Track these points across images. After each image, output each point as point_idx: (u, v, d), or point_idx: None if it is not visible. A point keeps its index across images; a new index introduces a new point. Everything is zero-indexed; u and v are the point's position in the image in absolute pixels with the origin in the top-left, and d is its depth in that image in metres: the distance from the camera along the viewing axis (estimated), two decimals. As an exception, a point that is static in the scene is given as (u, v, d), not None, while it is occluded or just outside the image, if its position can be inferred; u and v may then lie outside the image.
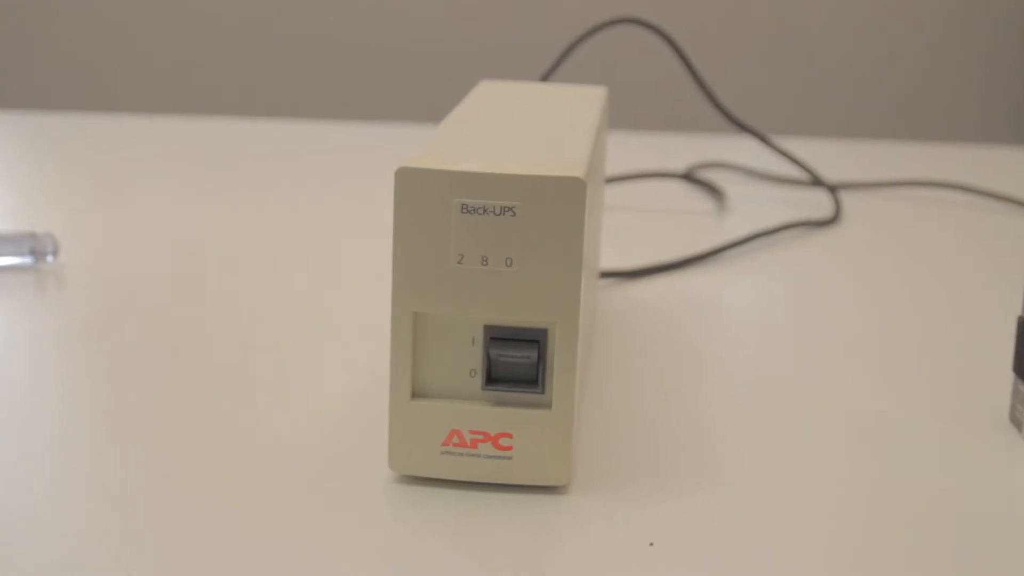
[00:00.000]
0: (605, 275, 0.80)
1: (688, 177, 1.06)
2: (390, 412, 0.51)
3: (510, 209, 0.48)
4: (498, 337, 0.50)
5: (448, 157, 0.50)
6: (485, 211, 0.49)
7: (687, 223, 0.96)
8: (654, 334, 0.71)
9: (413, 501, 0.50)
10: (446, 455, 0.51)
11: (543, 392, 0.50)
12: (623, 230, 0.94)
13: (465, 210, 0.49)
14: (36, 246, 0.78)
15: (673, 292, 0.79)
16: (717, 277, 0.82)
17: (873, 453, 0.56)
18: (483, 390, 0.51)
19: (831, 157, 1.21)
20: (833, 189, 1.02)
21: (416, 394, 0.51)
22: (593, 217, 0.58)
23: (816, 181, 1.04)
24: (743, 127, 1.00)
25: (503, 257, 0.49)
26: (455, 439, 0.51)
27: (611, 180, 1.05)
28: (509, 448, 0.51)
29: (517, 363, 0.50)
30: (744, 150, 1.23)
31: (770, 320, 0.74)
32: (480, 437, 0.51)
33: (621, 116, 2.23)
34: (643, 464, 0.55)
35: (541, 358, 0.50)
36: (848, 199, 1.05)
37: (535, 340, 0.50)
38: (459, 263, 0.49)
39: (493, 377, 0.51)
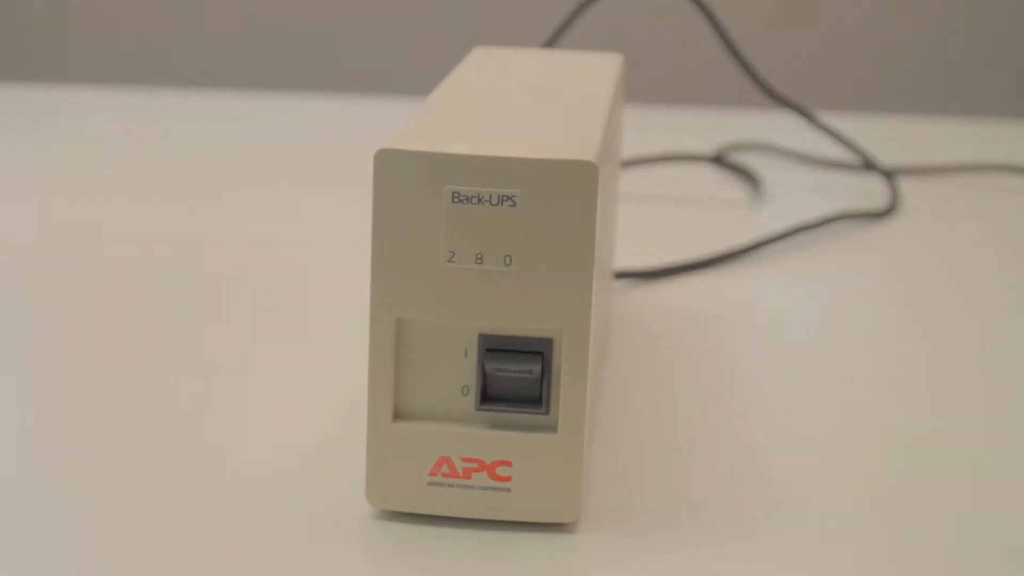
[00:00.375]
0: (620, 276, 0.80)
1: (718, 160, 1.06)
2: (368, 436, 0.51)
3: (509, 198, 0.49)
4: (495, 348, 0.50)
5: (436, 137, 0.50)
6: (480, 200, 0.49)
7: (717, 215, 0.96)
8: (678, 345, 0.71)
9: (394, 540, 0.51)
10: (434, 487, 0.51)
11: (547, 413, 0.51)
12: (641, 223, 0.94)
13: (457, 199, 0.49)
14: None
15: (700, 296, 0.79)
16: (752, 279, 0.82)
17: (946, 488, 0.57)
18: (477, 410, 0.51)
19: (886, 136, 1.22)
20: (889, 175, 1.02)
21: (399, 415, 0.51)
22: (607, 207, 0.58)
23: (868, 165, 1.05)
24: (783, 101, 1.00)
25: (501, 254, 0.49)
26: (444, 468, 0.51)
27: (627, 164, 1.05)
28: (508, 479, 0.51)
29: (517, 379, 0.51)
30: (784, 128, 1.23)
31: (815, 329, 0.74)
32: (474, 466, 0.51)
33: (639, 88, 2.23)
34: (664, 498, 0.55)
35: (545, 373, 0.50)
36: (906, 186, 1.05)
37: (538, 352, 0.50)
38: (450, 261, 0.49)
39: (489, 395, 0.51)
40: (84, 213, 0.90)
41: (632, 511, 0.53)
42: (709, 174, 1.07)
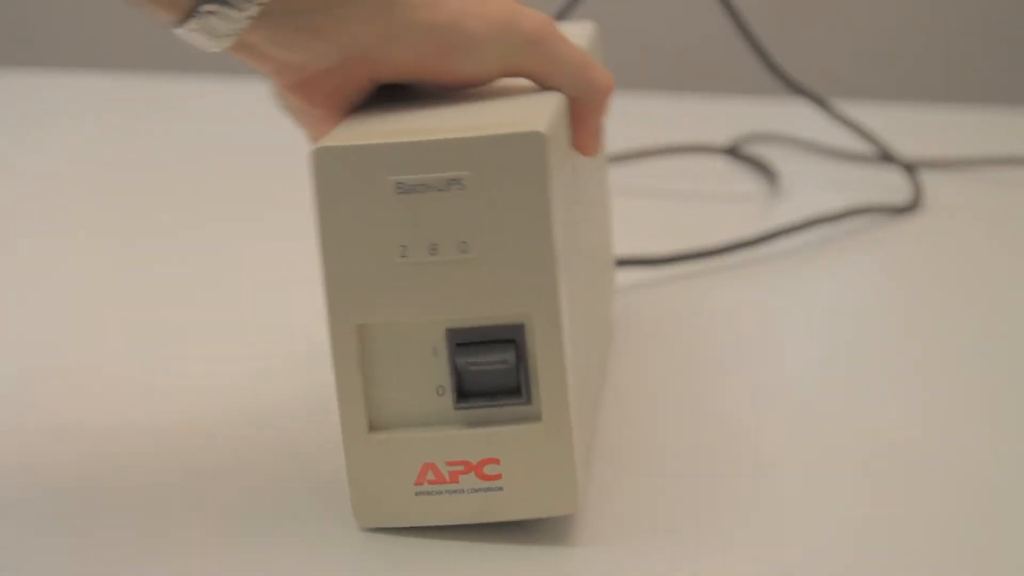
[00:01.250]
0: (622, 263, 0.80)
1: (733, 152, 1.07)
2: (346, 453, 0.51)
3: (457, 181, 0.49)
4: (465, 342, 0.50)
5: (375, 129, 0.50)
6: (426, 188, 0.49)
7: (731, 210, 0.96)
8: (688, 349, 0.71)
9: (386, 559, 0.51)
10: (422, 496, 0.51)
11: (529, 402, 0.50)
12: (652, 218, 0.94)
13: (402, 189, 0.49)
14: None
15: (712, 297, 0.79)
16: (765, 279, 0.82)
17: (969, 506, 0.56)
18: (456, 410, 0.51)
19: (909, 126, 1.21)
20: (910, 167, 1.02)
21: (374, 426, 0.51)
22: (576, 180, 0.58)
23: (887, 157, 1.04)
24: (798, 89, 1.00)
25: (456, 242, 0.49)
26: (430, 475, 0.51)
27: (637, 156, 1.05)
28: (497, 477, 0.51)
29: (492, 371, 0.50)
30: (801, 118, 1.23)
31: (830, 333, 0.74)
32: (460, 468, 0.51)
33: (650, 73, 2.23)
34: (674, 511, 0.55)
35: (521, 361, 0.50)
36: (931, 180, 1.05)
37: (510, 340, 0.50)
38: (403, 257, 0.49)
39: (466, 392, 0.51)
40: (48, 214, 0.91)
41: (640, 527, 0.53)
42: (723, 167, 1.07)
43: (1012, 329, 0.74)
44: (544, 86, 0.56)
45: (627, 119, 1.20)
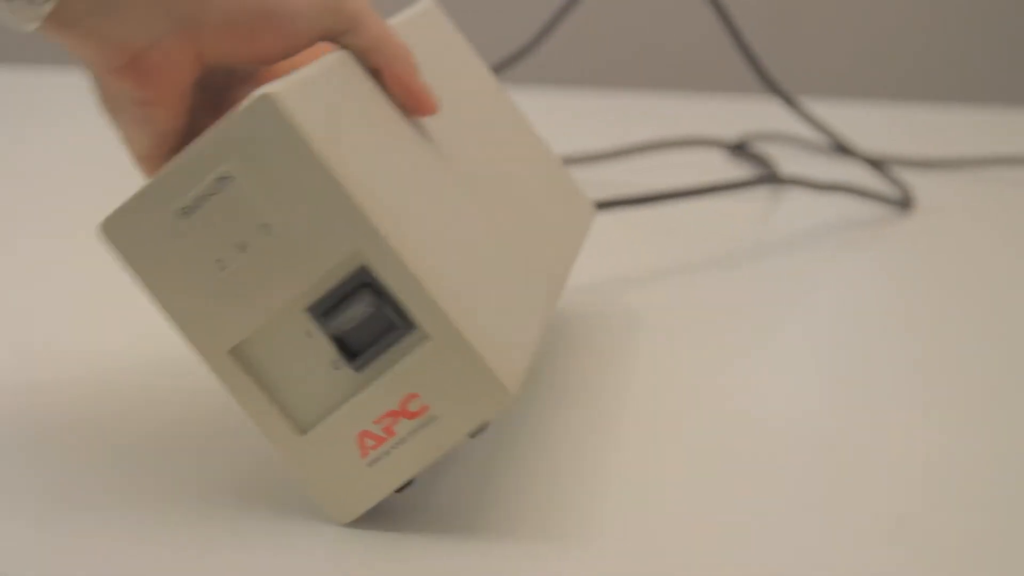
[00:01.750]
0: (602, 206, 0.80)
1: (740, 148, 1.07)
2: (290, 467, 0.52)
3: (224, 178, 0.50)
4: (326, 311, 0.51)
5: (142, 182, 0.51)
6: (203, 199, 0.50)
7: (733, 207, 0.96)
8: (684, 347, 0.71)
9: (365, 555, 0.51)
10: (376, 464, 0.52)
11: (413, 327, 0.51)
12: (654, 213, 0.94)
13: (185, 213, 0.50)
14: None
15: (707, 296, 0.79)
16: (763, 278, 0.82)
17: (972, 517, 0.56)
18: (358, 372, 0.51)
19: (908, 126, 1.21)
20: (876, 164, 1.01)
21: (300, 429, 0.52)
22: (377, 118, 0.58)
23: (841, 148, 1.04)
24: (774, 88, 0.99)
25: (257, 229, 0.50)
26: (369, 441, 0.52)
27: (638, 150, 1.05)
28: (426, 408, 0.51)
29: (365, 320, 0.51)
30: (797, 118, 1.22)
31: (831, 333, 0.74)
32: (390, 420, 0.51)
33: (650, 73, 2.23)
34: (668, 510, 0.55)
35: (384, 297, 0.51)
36: (929, 180, 1.05)
37: (363, 284, 0.51)
38: (224, 269, 0.50)
39: (355, 352, 0.51)
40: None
41: (622, 524, 0.53)
42: (726, 164, 1.07)
43: (1011, 329, 0.75)
44: (357, 54, 0.57)
45: (627, 118, 1.21)
